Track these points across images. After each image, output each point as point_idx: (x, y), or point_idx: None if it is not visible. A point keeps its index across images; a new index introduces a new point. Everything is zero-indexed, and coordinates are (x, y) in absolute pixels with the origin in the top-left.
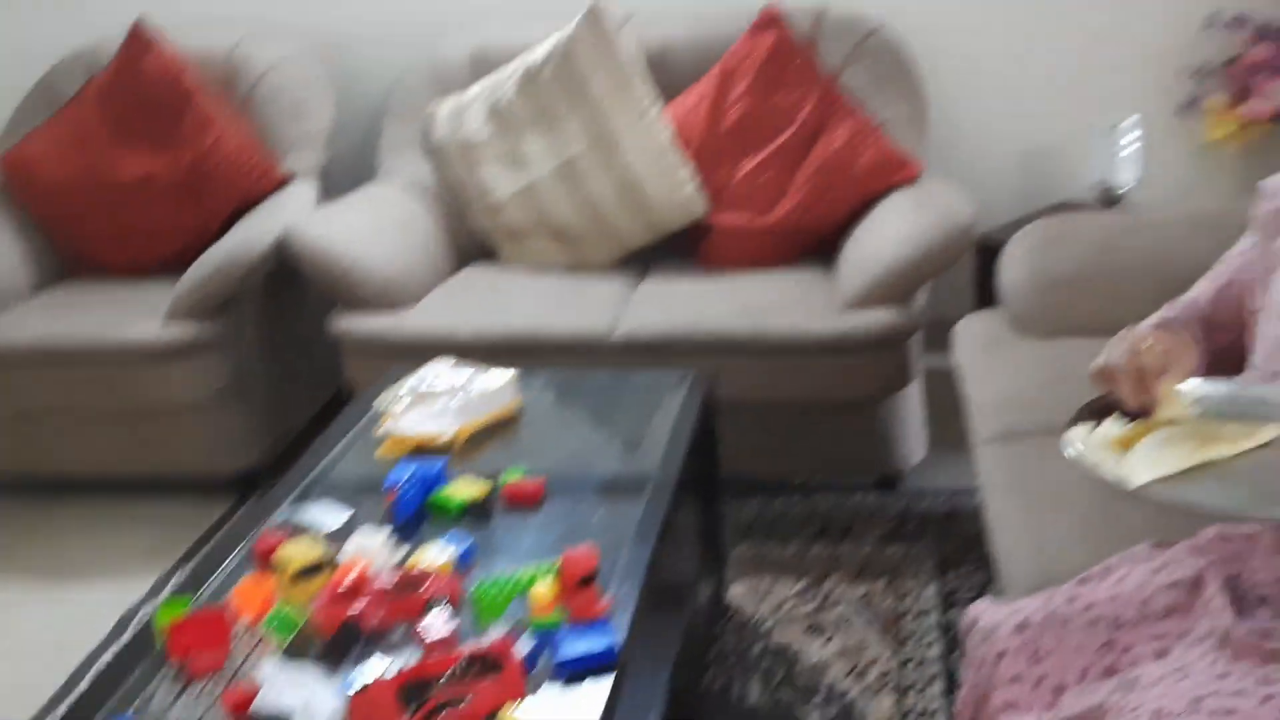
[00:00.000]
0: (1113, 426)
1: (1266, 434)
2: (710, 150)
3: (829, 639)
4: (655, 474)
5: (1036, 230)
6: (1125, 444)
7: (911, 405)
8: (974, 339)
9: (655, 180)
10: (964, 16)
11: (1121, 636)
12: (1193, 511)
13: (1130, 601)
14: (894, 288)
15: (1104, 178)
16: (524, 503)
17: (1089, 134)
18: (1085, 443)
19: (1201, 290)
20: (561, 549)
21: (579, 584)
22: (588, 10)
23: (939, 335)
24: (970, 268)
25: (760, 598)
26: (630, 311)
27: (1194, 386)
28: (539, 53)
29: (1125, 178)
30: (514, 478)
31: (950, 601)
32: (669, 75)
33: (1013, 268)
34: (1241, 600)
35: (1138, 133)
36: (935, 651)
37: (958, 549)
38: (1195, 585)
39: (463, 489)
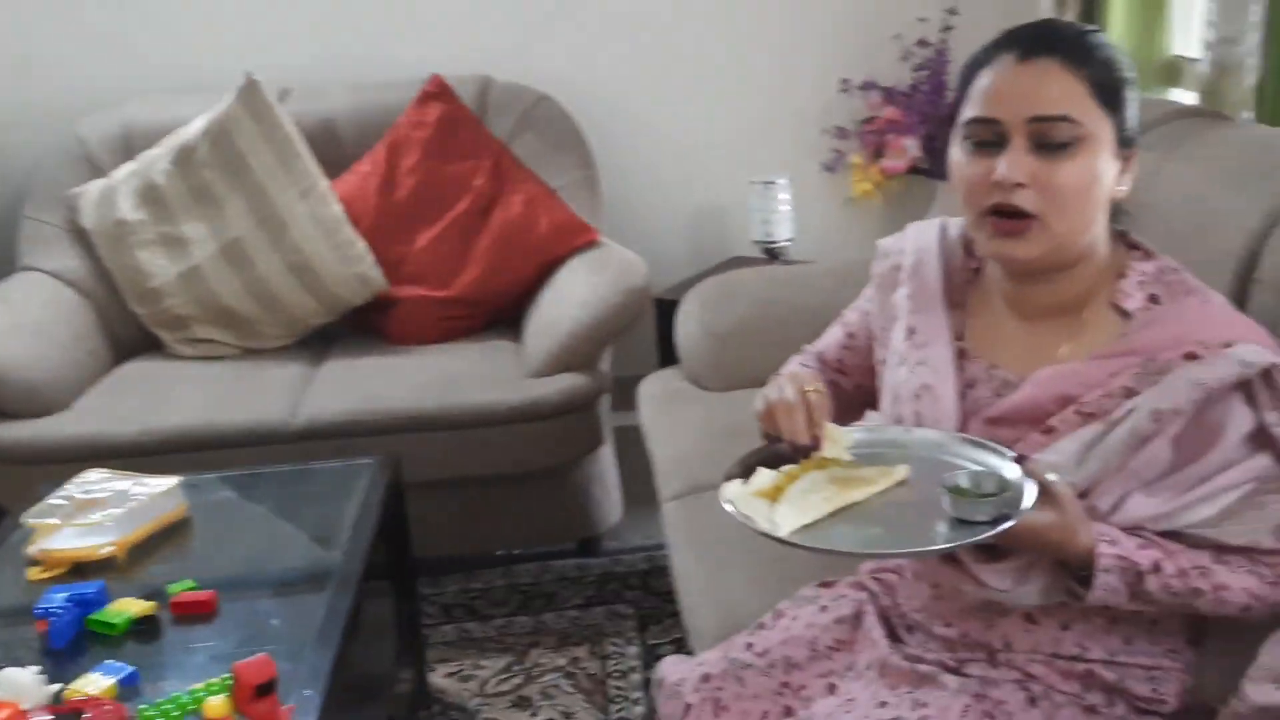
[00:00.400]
0: (763, 476)
1: (898, 474)
2: (385, 223)
3: (535, 712)
4: (338, 568)
5: (705, 288)
6: (775, 494)
7: (605, 467)
8: (655, 397)
9: (328, 257)
10: (625, 85)
11: (795, 677)
12: (836, 556)
13: (800, 642)
14: (578, 352)
15: (764, 233)
16: (196, 615)
17: (749, 192)
18: (738, 496)
19: (829, 340)
20: (239, 659)
21: (256, 694)
22: (243, 85)
23: (628, 395)
24: (651, 327)
25: (465, 679)
26: (311, 395)
27: (845, 429)
28: (193, 129)
29: (783, 232)
30: (183, 590)
31: (654, 658)
32: (335, 149)
33: (686, 325)
34: (896, 629)
35: (787, 188)
36: (640, 710)
37: (658, 606)
38: (856, 620)
39: (125, 608)
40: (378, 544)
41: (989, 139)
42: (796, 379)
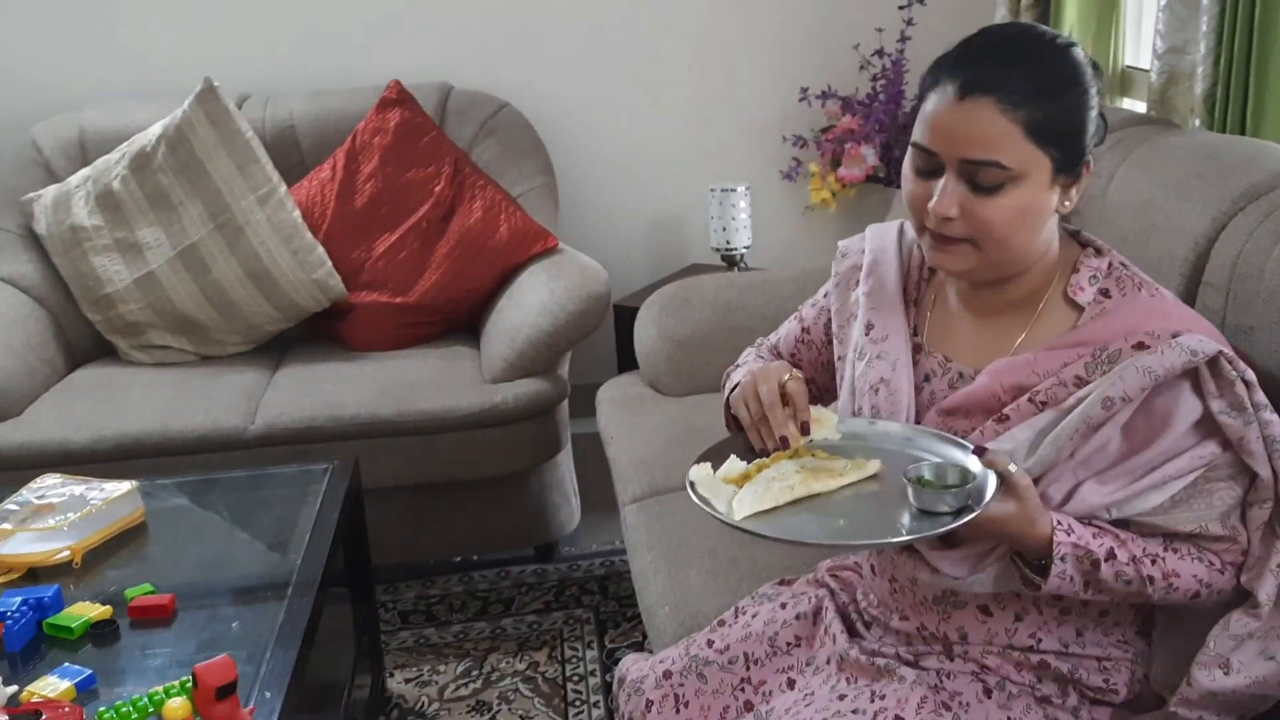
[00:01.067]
0: (734, 464)
1: (870, 469)
2: (344, 229)
3: (494, 717)
4: (297, 573)
5: (664, 295)
6: (742, 480)
7: (564, 473)
8: (614, 402)
9: (285, 263)
10: (586, 93)
11: (755, 673)
12: (796, 546)
13: (760, 639)
14: (537, 358)
15: (723, 240)
16: (153, 620)
17: (707, 200)
18: (702, 479)
19: (784, 334)
20: (198, 663)
21: (217, 696)
22: (200, 90)
23: (586, 401)
24: (611, 333)
25: (423, 684)
26: (268, 401)
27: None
28: (150, 134)
29: (741, 239)
30: (140, 594)
31: (613, 662)
32: (294, 155)
33: (645, 332)
34: (854, 624)
35: (748, 198)
36: (599, 713)
37: (616, 610)
38: (816, 615)
39: (82, 612)
40: (336, 550)
41: (928, 166)
42: (767, 376)
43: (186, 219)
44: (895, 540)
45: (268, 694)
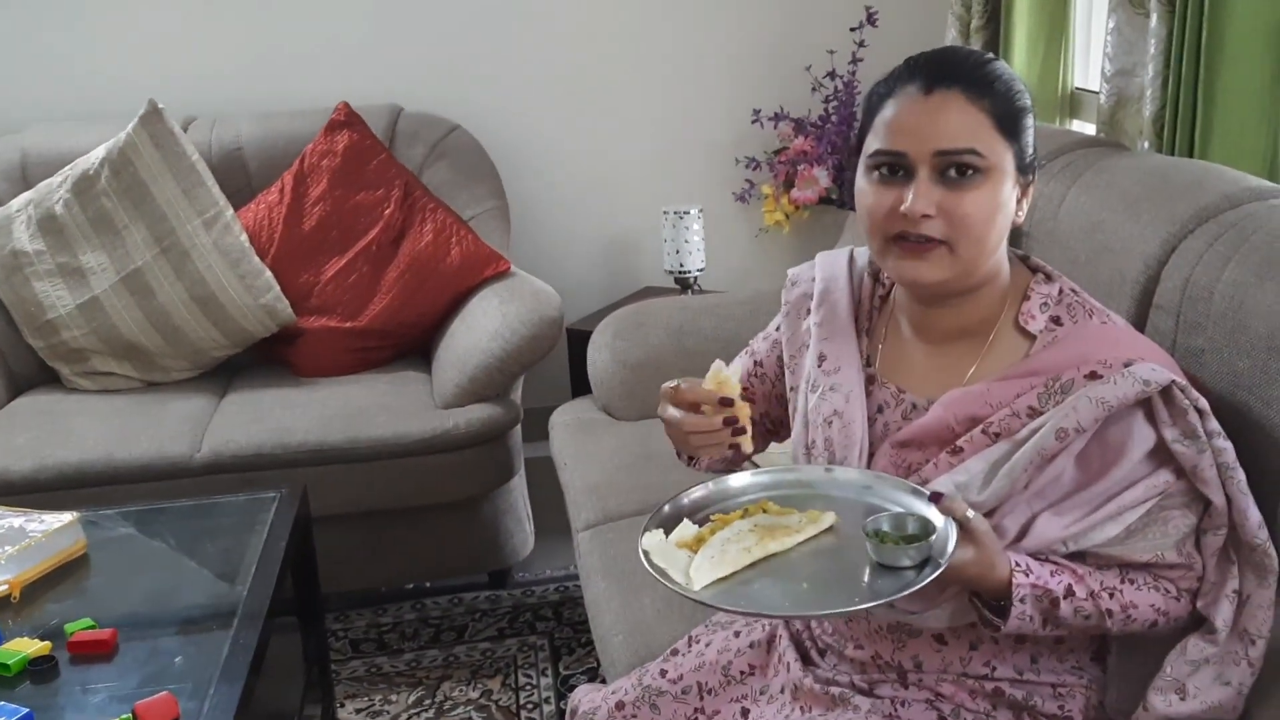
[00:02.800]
0: (686, 528)
1: (825, 522)
2: (292, 253)
3: None
4: (243, 604)
5: (617, 318)
6: (696, 545)
7: (517, 498)
8: (568, 427)
9: (232, 288)
10: (538, 115)
11: (709, 703)
12: (761, 618)
13: (714, 668)
14: (489, 383)
15: (677, 263)
16: (95, 655)
17: (661, 222)
18: (655, 548)
19: (736, 368)
20: (140, 699)
21: None
22: (145, 112)
23: (540, 426)
24: (564, 357)
25: (375, 714)
26: (215, 428)
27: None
28: (93, 157)
29: (695, 262)
30: (81, 629)
31: (567, 689)
32: (241, 178)
33: (598, 355)
34: (808, 652)
35: (699, 219)
36: None
37: (570, 636)
38: (770, 644)
39: (20, 648)
40: (284, 578)
41: (895, 170)
42: (686, 380)
43: (131, 243)
44: (861, 607)
45: None
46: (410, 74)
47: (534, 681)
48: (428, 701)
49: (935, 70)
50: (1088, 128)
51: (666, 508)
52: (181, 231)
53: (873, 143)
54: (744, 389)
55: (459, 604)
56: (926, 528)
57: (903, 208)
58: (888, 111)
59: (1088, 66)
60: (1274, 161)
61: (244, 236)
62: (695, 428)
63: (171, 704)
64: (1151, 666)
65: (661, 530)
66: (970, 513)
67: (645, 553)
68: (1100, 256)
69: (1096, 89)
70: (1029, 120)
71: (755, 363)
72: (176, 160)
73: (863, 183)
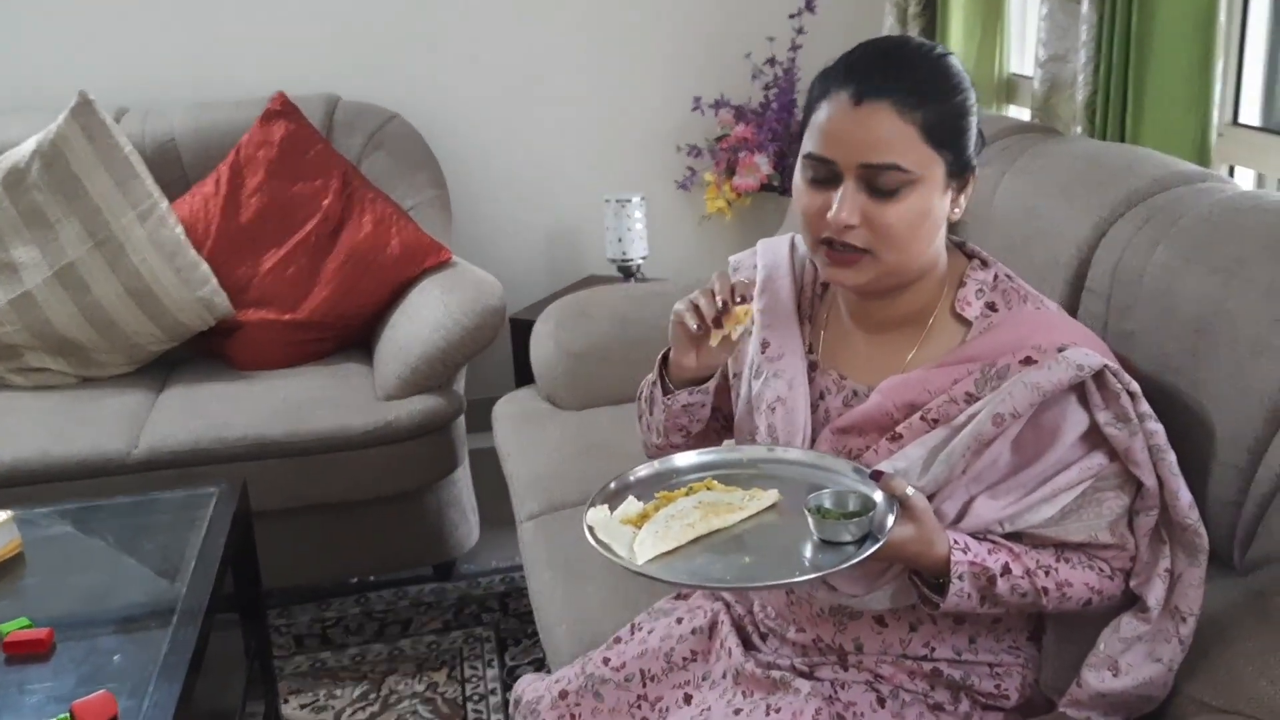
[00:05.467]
0: (631, 505)
1: (768, 499)
2: (229, 245)
3: None
4: (182, 601)
5: (560, 307)
6: (641, 521)
7: (461, 490)
8: (511, 417)
9: (169, 281)
10: (478, 103)
11: (652, 690)
12: (703, 589)
13: (656, 655)
14: (431, 374)
15: (619, 251)
16: (31, 655)
17: (603, 210)
18: (599, 523)
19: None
20: (78, 699)
21: None
22: (76, 103)
23: (484, 416)
24: (507, 347)
25: (319, 710)
26: (152, 424)
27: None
28: (23, 150)
29: (637, 250)
30: (16, 629)
31: (513, 679)
32: (176, 169)
33: (542, 345)
34: (750, 637)
35: (643, 208)
36: None
37: (516, 627)
38: (712, 630)
39: None
40: (225, 575)
41: (824, 175)
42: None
43: (64, 237)
44: (802, 579)
45: None
46: (347, 63)
47: (480, 673)
48: (372, 695)
49: (868, 79)
50: (1024, 113)
51: (612, 485)
52: (115, 225)
53: (807, 143)
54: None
55: (404, 597)
56: (867, 505)
57: (829, 215)
58: (820, 114)
59: (1024, 52)
60: (1203, 146)
61: (180, 229)
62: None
63: (110, 702)
64: (1086, 646)
65: (606, 507)
66: (910, 490)
67: (589, 528)
68: (1034, 241)
69: (1030, 75)
70: (969, 120)
71: None
72: (109, 153)
73: (798, 178)
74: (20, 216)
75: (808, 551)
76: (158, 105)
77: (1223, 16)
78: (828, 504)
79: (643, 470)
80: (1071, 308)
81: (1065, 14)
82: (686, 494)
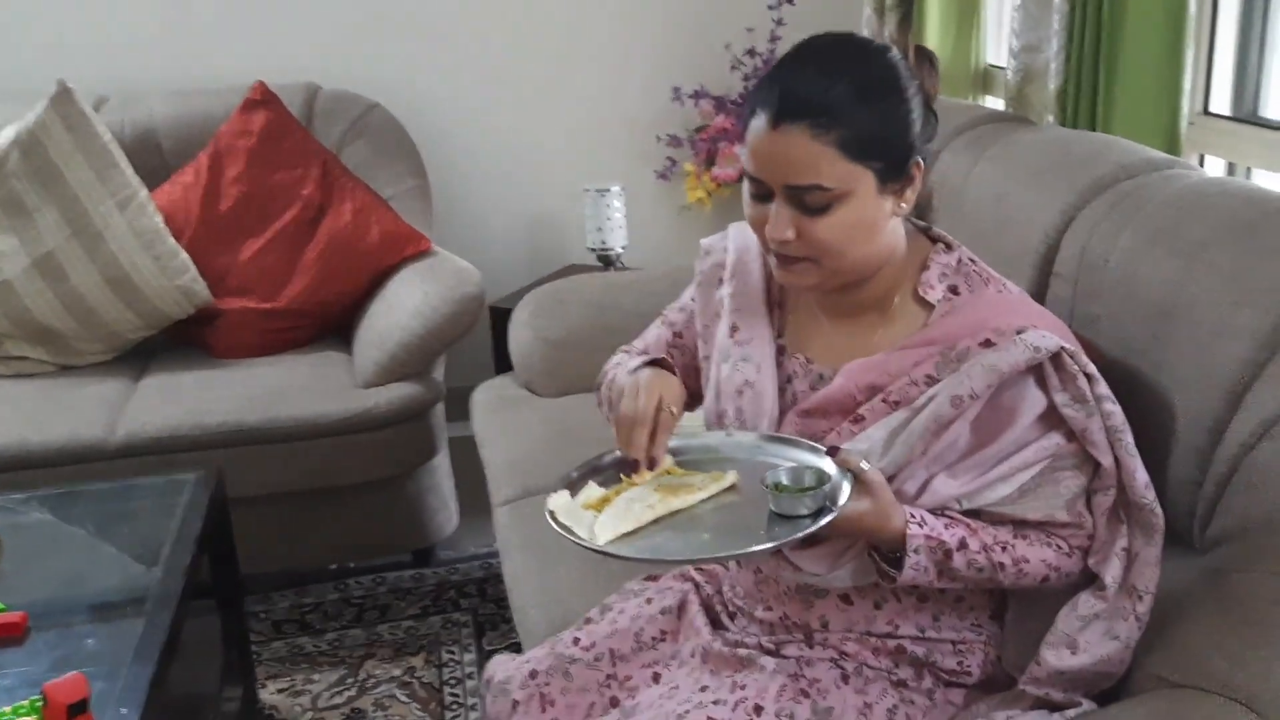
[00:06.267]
0: (593, 490)
1: (727, 480)
2: (209, 234)
3: None
4: (157, 587)
5: (538, 295)
6: (601, 505)
7: (440, 477)
8: (488, 404)
9: (148, 270)
10: (459, 92)
11: (621, 669)
12: (661, 565)
13: (626, 634)
14: (409, 362)
15: (599, 240)
16: (4, 639)
17: (583, 200)
18: (561, 507)
19: (655, 339)
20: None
21: (69, 715)
22: (56, 93)
23: (463, 404)
24: (487, 335)
25: (296, 694)
26: (130, 411)
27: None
28: (2, 139)
29: (617, 239)
30: None
31: None
32: (156, 158)
33: (519, 333)
34: (719, 616)
35: (621, 196)
36: (476, 715)
37: (494, 612)
38: (681, 609)
39: None
40: (201, 560)
41: (760, 191)
42: (651, 390)
43: (43, 226)
44: (759, 548)
45: (124, 710)
46: (328, 51)
47: (457, 658)
48: (350, 680)
49: (786, 101)
50: (999, 104)
51: (574, 473)
52: (95, 214)
53: (743, 158)
54: (666, 358)
55: (383, 583)
56: (822, 479)
57: (765, 229)
58: (749, 134)
59: (1000, 43)
60: (1173, 134)
61: (159, 218)
62: (632, 423)
63: (81, 684)
64: (1046, 623)
65: (567, 492)
66: (864, 464)
67: (551, 512)
68: (1004, 227)
69: (1004, 65)
70: (901, 123)
71: (675, 334)
72: (89, 142)
73: (744, 187)
74: (1, 204)
75: (765, 526)
76: (138, 94)
77: (1193, 6)
78: (784, 480)
79: (605, 458)
80: (1040, 292)
81: (1038, 4)
82: (646, 479)
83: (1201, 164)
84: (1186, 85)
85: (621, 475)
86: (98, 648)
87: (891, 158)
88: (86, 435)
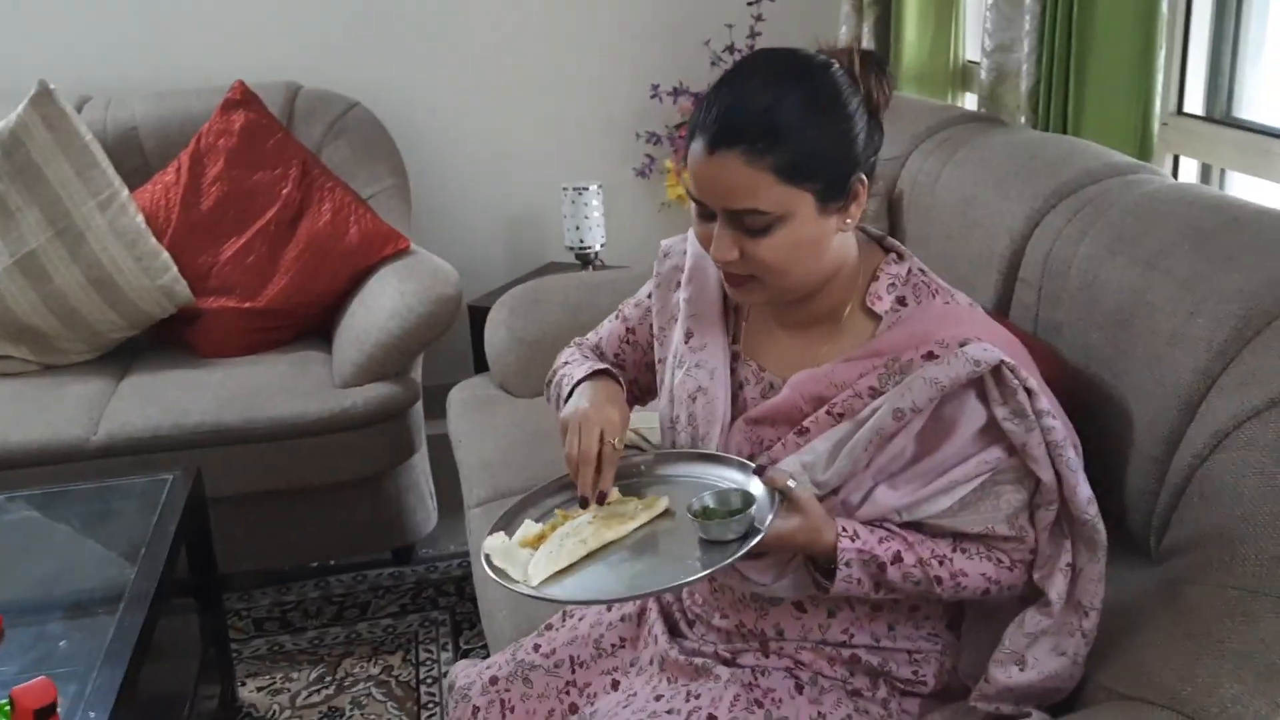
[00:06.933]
0: (529, 527)
1: (660, 506)
2: (190, 234)
3: None
4: (130, 587)
5: (514, 295)
6: (538, 542)
7: (419, 476)
8: (464, 404)
9: (129, 269)
10: (438, 91)
11: (580, 675)
12: (593, 605)
13: (586, 641)
14: (387, 361)
15: (577, 239)
16: None
17: (561, 198)
18: (496, 549)
19: (608, 334)
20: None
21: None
22: (36, 92)
23: (443, 403)
24: (466, 335)
25: (275, 692)
26: (111, 411)
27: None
28: None
29: (595, 238)
30: None
31: None
32: (137, 158)
33: (495, 333)
34: (677, 623)
35: (599, 194)
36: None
37: (472, 610)
38: (641, 616)
39: None
40: (177, 560)
41: (704, 210)
42: (591, 426)
43: (24, 226)
44: (686, 580)
45: (92, 714)
46: (308, 51)
47: (434, 656)
48: (328, 678)
49: (721, 126)
50: (975, 101)
51: (509, 509)
52: (76, 214)
53: (685, 177)
54: (615, 358)
55: (362, 581)
56: (749, 501)
57: (710, 249)
58: (690, 155)
59: (981, 39)
60: (1145, 135)
61: (140, 218)
62: (577, 464)
63: (49, 689)
64: (1000, 634)
65: (503, 534)
66: (791, 482)
67: (486, 556)
68: (971, 231)
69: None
70: (840, 145)
71: (628, 329)
72: (70, 142)
73: (691, 204)
74: None
75: (696, 553)
76: (119, 94)
77: (1165, 6)
78: (711, 504)
79: (541, 494)
80: (1005, 299)
81: (1010, 3)
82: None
83: (1176, 166)
84: (1159, 86)
85: (558, 510)
86: (69, 649)
87: (831, 178)
88: (68, 435)
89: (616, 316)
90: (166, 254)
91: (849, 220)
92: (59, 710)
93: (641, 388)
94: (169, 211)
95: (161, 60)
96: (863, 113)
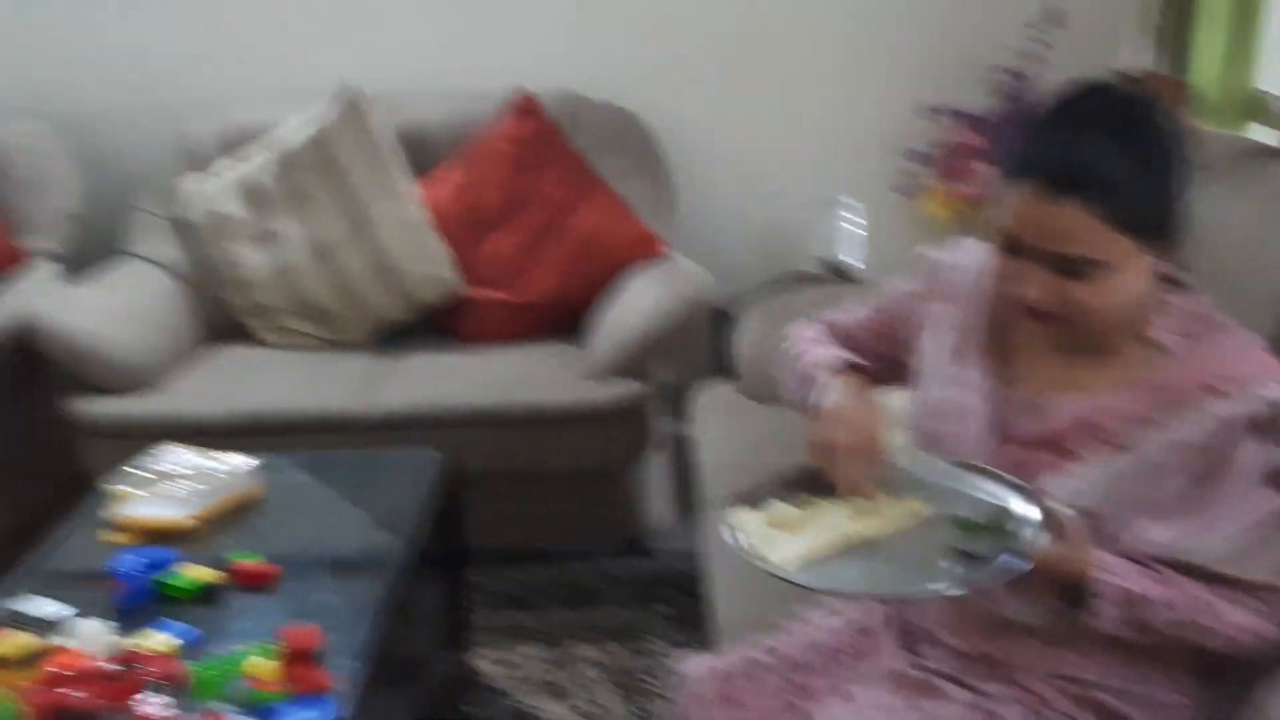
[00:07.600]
0: (779, 509)
1: (918, 509)
2: (466, 229)
3: (570, 701)
4: (395, 554)
5: (769, 305)
6: (791, 525)
7: (656, 471)
8: (709, 408)
9: (410, 258)
10: (706, 104)
11: (807, 679)
12: (841, 597)
13: (817, 647)
14: (635, 359)
15: (833, 252)
16: (257, 586)
17: (819, 211)
18: (745, 524)
19: (852, 317)
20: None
21: (301, 661)
22: (346, 102)
23: (683, 402)
24: (711, 336)
25: (505, 665)
26: (384, 388)
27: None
28: (296, 138)
29: (849, 251)
30: (250, 561)
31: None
32: (422, 154)
33: (747, 339)
34: (907, 639)
35: (858, 209)
36: (668, 706)
37: (695, 608)
38: (871, 629)
39: (194, 574)
40: (434, 532)
41: (1015, 246)
42: (865, 419)
43: (323, 215)
44: (955, 591)
45: (352, 663)
46: (585, 60)
47: (655, 647)
48: (554, 657)
49: (1057, 172)
50: (1267, 134)
51: (755, 486)
52: (369, 207)
53: (999, 211)
54: (845, 337)
55: (595, 569)
56: (1014, 519)
57: (1018, 290)
58: (1011, 193)
59: (1278, 67)
60: None
61: (422, 211)
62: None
63: (315, 635)
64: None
65: (750, 507)
66: (1067, 510)
67: (734, 529)
68: (1251, 270)
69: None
70: (1176, 194)
71: (884, 321)
72: (369, 144)
73: (996, 234)
74: (290, 194)
75: (948, 563)
76: (406, 95)
77: None
78: (971, 516)
79: (789, 475)
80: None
81: None
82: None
83: None
84: None
85: (809, 496)
86: (336, 603)
87: (1163, 227)
88: (344, 407)
89: (870, 305)
90: (444, 246)
91: (1164, 264)
92: (322, 656)
93: (870, 374)
94: (449, 207)
95: (447, 65)
96: (1188, 157)
